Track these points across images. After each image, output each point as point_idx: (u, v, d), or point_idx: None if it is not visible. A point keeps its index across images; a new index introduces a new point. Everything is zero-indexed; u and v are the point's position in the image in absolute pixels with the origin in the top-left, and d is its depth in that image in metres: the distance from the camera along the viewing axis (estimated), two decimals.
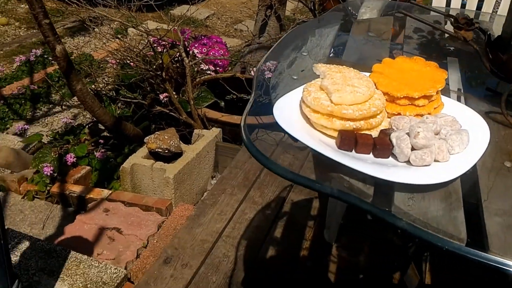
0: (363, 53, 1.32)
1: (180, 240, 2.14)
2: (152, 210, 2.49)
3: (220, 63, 3.54)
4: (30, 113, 3.69)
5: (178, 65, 3.07)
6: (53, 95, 3.94)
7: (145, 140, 2.70)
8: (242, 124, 0.93)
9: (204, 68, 3.30)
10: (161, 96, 2.97)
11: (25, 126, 3.30)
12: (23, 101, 3.73)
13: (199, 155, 2.74)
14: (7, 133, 3.35)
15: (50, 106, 3.83)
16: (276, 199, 2.42)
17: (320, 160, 0.85)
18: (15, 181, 2.64)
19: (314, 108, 0.91)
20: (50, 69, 4.10)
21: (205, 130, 2.93)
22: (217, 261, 2.04)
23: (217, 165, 2.95)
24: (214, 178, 2.94)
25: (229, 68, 3.76)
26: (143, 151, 2.72)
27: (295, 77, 1.15)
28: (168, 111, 2.95)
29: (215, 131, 2.93)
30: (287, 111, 0.96)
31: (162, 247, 2.15)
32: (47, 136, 3.15)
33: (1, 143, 3.06)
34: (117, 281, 1.89)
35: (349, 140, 0.86)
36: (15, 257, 1.94)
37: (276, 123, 0.91)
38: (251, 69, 3.31)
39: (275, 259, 2.07)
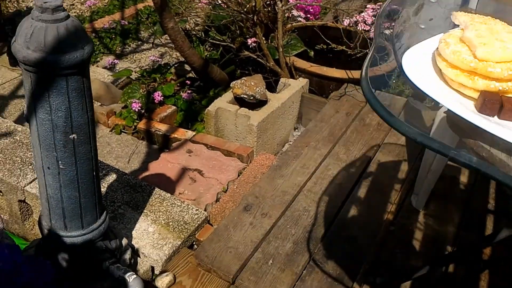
0: (501, 4, 1.16)
1: (261, 189, 2.10)
2: (233, 156, 2.48)
3: (311, 10, 3.38)
4: (119, 48, 3.75)
5: (269, 9, 2.96)
6: (142, 32, 3.98)
7: (231, 85, 2.66)
8: (362, 76, 0.83)
9: (295, 15, 3.17)
10: (250, 41, 2.89)
11: (115, 60, 3.36)
12: (113, 36, 3.79)
13: (284, 105, 2.67)
14: (97, 66, 3.44)
15: (139, 43, 3.88)
16: (362, 158, 2.31)
17: (454, 123, 0.74)
18: (104, 114, 2.71)
19: (453, 62, 0.79)
20: (140, 6, 4.12)
21: (292, 80, 2.83)
22: (297, 215, 1.99)
23: (300, 116, 2.86)
24: (296, 130, 2.87)
25: (319, 17, 3.59)
26: (228, 95, 2.69)
27: (422, 26, 1.02)
28: (255, 57, 2.87)
29: (302, 81, 2.83)
30: (417, 64, 0.84)
31: (242, 193, 2.13)
32: (135, 72, 3.19)
33: (91, 75, 3.11)
34: (198, 222, 1.90)
35: (493, 103, 0.74)
36: (102, 188, 2.00)
37: (406, 77, 0.80)
38: (344, 18, 3.13)
39: (357, 219, 2.00)
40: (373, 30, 2.80)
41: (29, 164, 1.99)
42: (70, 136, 1.30)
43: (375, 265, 1.79)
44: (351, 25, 2.90)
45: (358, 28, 2.74)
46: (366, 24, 2.84)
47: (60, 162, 1.33)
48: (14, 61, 3.32)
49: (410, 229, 1.95)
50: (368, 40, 2.69)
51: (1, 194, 2.01)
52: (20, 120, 2.69)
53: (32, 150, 1.40)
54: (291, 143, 2.77)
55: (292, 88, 2.76)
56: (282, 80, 2.82)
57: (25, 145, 2.08)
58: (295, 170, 2.22)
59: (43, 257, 1.53)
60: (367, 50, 2.72)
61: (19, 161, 2.00)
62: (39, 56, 1.18)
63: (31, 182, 1.92)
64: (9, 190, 1.94)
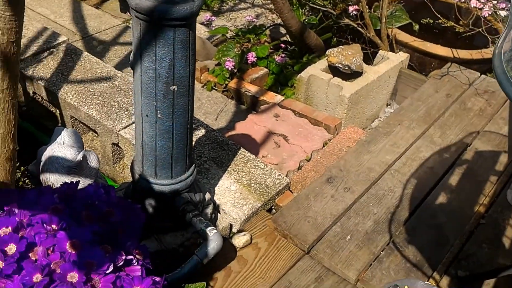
0: None
1: (346, 162, 2.05)
2: (320, 125, 2.43)
3: None
4: (217, 6, 3.77)
5: None
6: None
7: (327, 53, 2.59)
8: (496, 51, 0.75)
9: None
10: (351, 8, 2.78)
11: (212, 17, 3.37)
12: None
13: (379, 79, 2.57)
14: None
15: (236, 1, 3.87)
16: (458, 144, 2.18)
17: None
18: (198, 69, 2.74)
19: None
20: None
21: (391, 53, 2.71)
22: (381, 194, 1.93)
23: (395, 92, 2.74)
24: (389, 106, 2.76)
25: None
26: (322, 63, 2.62)
27: None
28: (355, 25, 2.76)
29: (402, 56, 2.70)
30: None
31: (325, 164, 2.09)
32: (230, 31, 3.20)
33: None
34: (279, 188, 1.90)
35: None
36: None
37: None
38: None
39: (445, 207, 1.90)
40: (486, 9, 2.59)
41: (125, 110, 2.06)
42: (171, 87, 1.32)
43: (458, 257, 1.71)
44: (463, 1, 2.70)
45: (471, 6, 2.54)
46: (480, 2, 2.63)
47: (158, 111, 1.36)
48: (124, 7, 3.41)
49: (502, 225, 1.83)
50: (482, 18, 2.49)
51: (97, 135, 2.11)
52: (118, 66, 2.79)
53: (133, 96, 1.44)
54: (381, 119, 2.67)
55: (391, 61, 2.64)
56: (380, 52, 2.70)
57: (123, 91, 2.16)
58: (384, 148, 2.14)
59: (131, 200, 1.60)
60: (479, 29, 2.53)
61: (116, 105, 2.08)
62: (151, 5, 1.19)
63: (125, 127, 1.99)
64: (104, 132, 2.04)
